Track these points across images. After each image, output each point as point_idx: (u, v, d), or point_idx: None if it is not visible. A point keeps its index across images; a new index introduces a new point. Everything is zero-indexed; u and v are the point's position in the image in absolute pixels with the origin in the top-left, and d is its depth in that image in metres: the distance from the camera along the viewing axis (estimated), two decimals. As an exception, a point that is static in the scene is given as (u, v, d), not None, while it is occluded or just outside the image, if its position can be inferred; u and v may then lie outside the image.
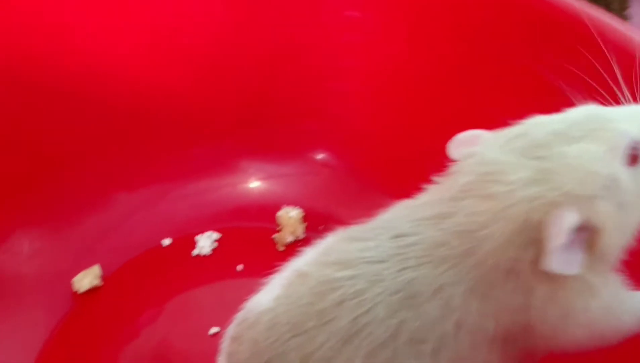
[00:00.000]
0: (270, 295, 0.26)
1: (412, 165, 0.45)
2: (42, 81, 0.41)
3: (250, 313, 0.26)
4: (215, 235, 0.46)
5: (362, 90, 0.46)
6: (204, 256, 0.45)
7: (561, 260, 0.21)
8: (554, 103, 0.26)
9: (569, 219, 0.21)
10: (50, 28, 0.40)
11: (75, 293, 0.42)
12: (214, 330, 0.40)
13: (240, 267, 0.44)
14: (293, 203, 0.48)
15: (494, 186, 0.22)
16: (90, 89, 0.43)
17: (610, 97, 0.27)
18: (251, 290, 0.28)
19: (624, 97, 0.26)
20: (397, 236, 0.24)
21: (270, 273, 0.28)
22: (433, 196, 0.25)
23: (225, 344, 0.28)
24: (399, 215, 0.25)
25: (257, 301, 0.27)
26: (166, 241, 0.46)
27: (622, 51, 0.31)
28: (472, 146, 0.24)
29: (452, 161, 0.25)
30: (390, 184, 0.45)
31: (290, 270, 0.27)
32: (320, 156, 0.49)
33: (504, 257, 0.22)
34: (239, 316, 0.28)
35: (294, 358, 0.23)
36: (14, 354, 0.38)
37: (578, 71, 0.31)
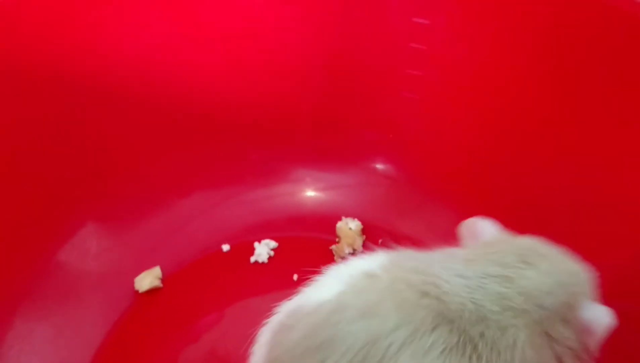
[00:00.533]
0: (329, 291, 0.25)
1: (475, 178, 0.43)
2: (112, 85, 0.42)
3: (307, 304, 0.26)
4: (272, 244, 0.46)
5: (426, 99, 0.45)
6: (261, 263, 0.45)
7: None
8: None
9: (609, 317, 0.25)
10: (122, 34, 0.42)
11: (136, 292, 0.43)
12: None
13: (296, 277, 0.44)
14: (352, 214, 0.47)
15: (544, 263, 0.25)
16: (157, 96, 0.44)
17: None
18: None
19: None
20: (461, 277, 0.25)
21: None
22: (488, 257, 0.26)
23: (261, 343, 0.27)
24: (454, 259, 0.26)
25: (311, 296, 0.26)
26: (225, 247, 0.46)
27: None
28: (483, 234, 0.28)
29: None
30: (453, 198, 0.44)
31: (357, 271, 0.26)
32: (381, 166, 0.48)
33: (551, 327, 0.24)
34: (288, 308, 0.27)
35: (361, 338, 0.23)
36: (75, 346, 0.39)
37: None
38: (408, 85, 0.45)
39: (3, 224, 0.39)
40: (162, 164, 0.46)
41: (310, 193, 0.49)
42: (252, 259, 0.45)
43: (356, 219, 0.47)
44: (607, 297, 0.27)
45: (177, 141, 0.46)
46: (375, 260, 0.27)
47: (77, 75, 0.41)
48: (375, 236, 0.46)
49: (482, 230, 0.28)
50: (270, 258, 0.46)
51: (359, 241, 0.46)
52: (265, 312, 0.42)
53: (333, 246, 0.46)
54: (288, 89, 0.46)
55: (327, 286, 0.26)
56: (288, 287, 0.43)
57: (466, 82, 0.43)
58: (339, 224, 0.47)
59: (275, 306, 0.42)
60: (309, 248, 0.46)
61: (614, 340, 0.26)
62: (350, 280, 0.26)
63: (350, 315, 0.23)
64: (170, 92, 0.44)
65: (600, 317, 0.25)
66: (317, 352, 0.23)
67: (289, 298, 0.30)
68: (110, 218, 0.45)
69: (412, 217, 0.46)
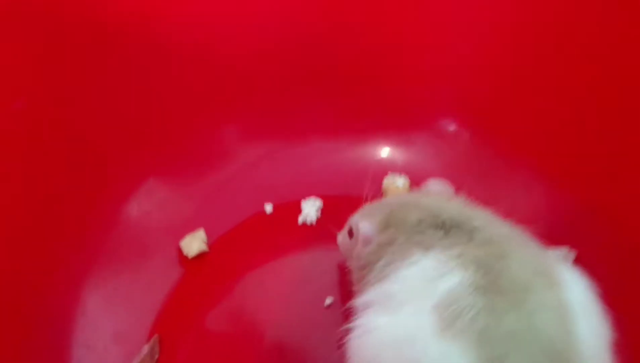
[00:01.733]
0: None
1: (530, 135, 0.41)
2: (170, 42, 0.41)
3: None
4: (318, 202, 0.45)
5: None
6: (309, 224, 0.44)
7: None
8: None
9: None
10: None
11: (185, 257, 0.42)
12: (328, 300, 0.40)
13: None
14: (399, 170, 0.46)
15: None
16: (213, 52, 0.43)
17: None
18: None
19: None
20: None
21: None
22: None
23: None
24: None
25: None
26: (268, 207, 0.45)
27: None
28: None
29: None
30: (507, 154, 0.43)
31: None
32: (435, 123, 0.46)
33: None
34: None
35: None
36: (137, 315, 0.40)
37: None
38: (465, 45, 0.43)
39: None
40: (203, 120, 0.45)
41: (359, 150, 0.47)
42: (300, 219, 0.44)
43: (403, 176, 0.45)
44: None
45: (226, 98, 0.45)
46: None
47: (142, 35, 0.40)
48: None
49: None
50: (317, 217, 0.44)
51: (407, 198, 0.44)
52: (315, 272, 0.41)
53: (380, 204, 0.44)
54: (345, 45, 0.44)
55: None
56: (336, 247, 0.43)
57: (537, 41, 0.40)
58: (386, 181, 0.45)
59: (325, 266, 0.41)
60: (356, 205, 0.45)
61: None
62: None
63: None
64: (216, 52, 0.43)
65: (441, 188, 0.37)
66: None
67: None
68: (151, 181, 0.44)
69: (460, 175, 0.44)
